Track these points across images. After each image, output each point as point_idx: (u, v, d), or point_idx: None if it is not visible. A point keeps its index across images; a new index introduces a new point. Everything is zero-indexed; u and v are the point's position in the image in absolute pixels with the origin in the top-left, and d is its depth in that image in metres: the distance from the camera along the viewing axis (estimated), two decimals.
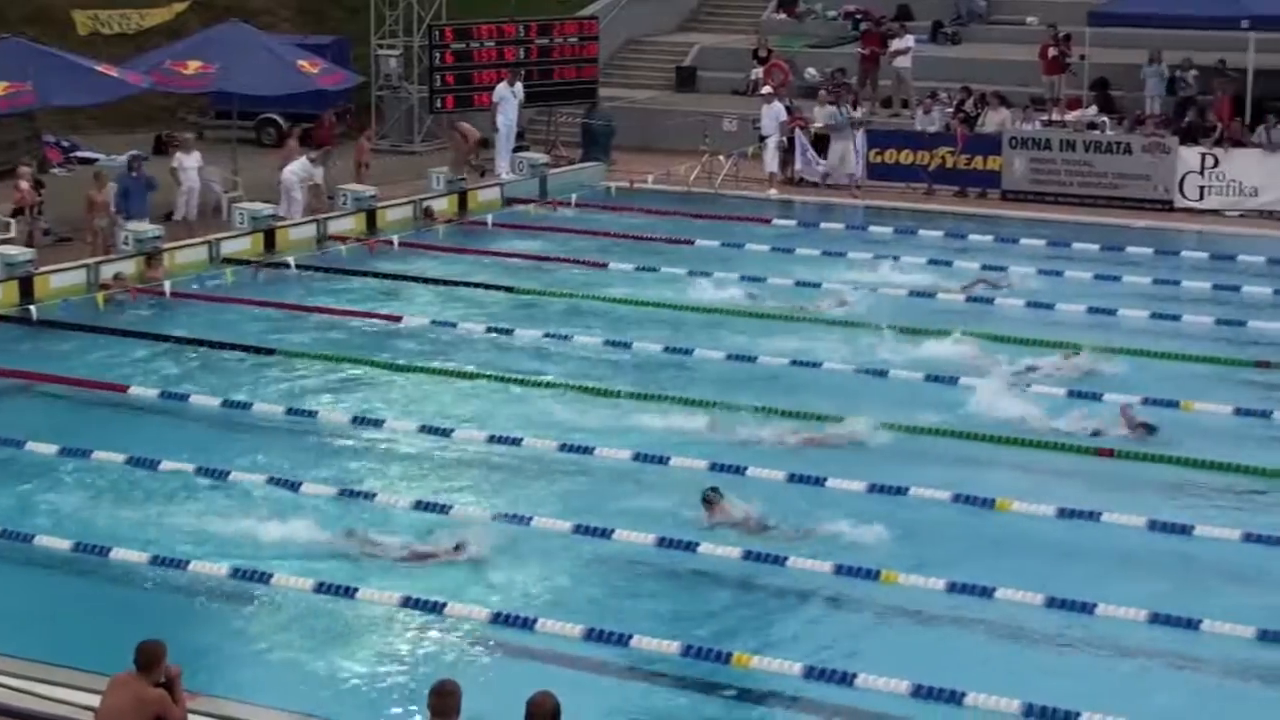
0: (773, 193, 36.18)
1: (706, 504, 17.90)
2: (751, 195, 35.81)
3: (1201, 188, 34.79)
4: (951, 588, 16.03)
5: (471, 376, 23.14)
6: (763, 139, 37.08)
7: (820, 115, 37.60)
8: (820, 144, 37.21)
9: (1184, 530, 17.42)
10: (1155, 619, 15.37)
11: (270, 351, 24.12)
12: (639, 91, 43.34)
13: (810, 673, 14.28)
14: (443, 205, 33.73)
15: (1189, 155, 34.89)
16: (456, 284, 28.20)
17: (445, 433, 20.74)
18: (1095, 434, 20.43)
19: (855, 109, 37.87)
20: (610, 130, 39.24)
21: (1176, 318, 26.11)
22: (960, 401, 21.66)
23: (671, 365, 23.76)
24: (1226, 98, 36.52)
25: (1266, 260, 30.34)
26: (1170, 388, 22.18)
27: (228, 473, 19.10)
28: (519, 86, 37.35)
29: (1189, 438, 20.34)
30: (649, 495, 18.60)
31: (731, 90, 42.69)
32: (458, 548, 16.92)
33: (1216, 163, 34.70)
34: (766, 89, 39.21)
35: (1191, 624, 15.24)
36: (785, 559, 16.62)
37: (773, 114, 37.21)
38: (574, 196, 34.78)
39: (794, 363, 23.50)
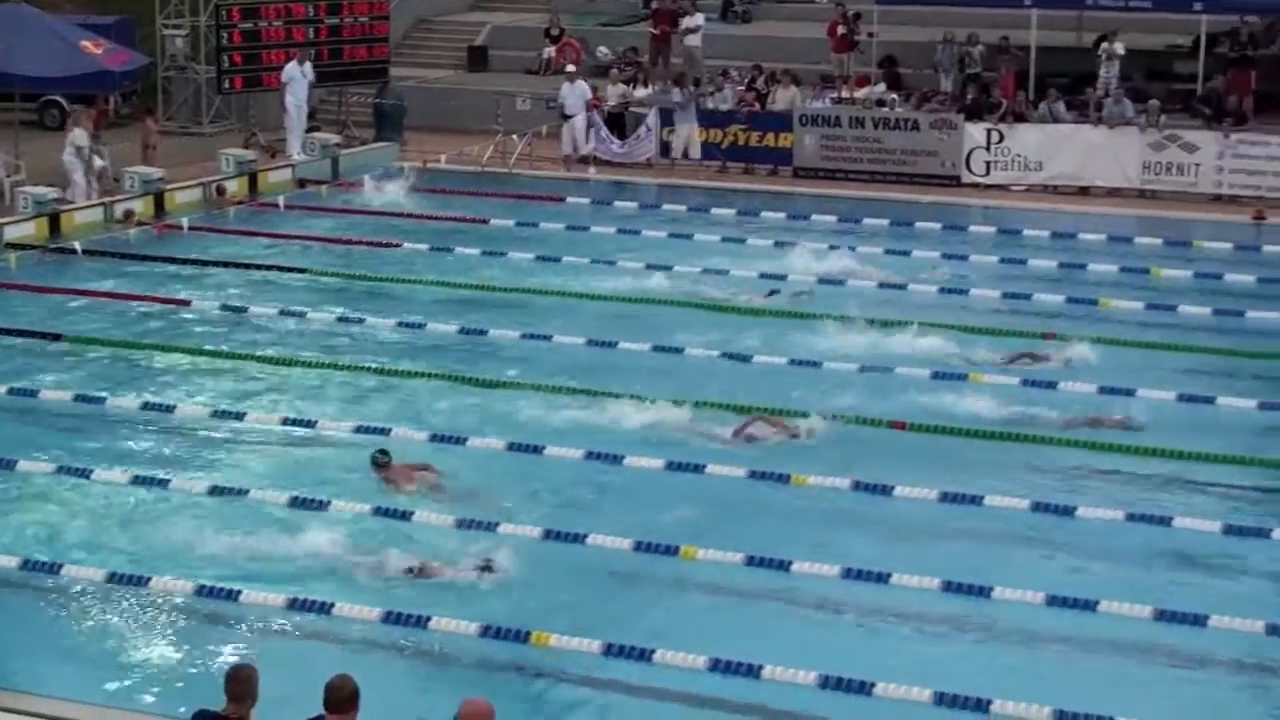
0: (592, 171, 36.26)
1: (376, 466, 18.15)
2: (569, 176, 35.76)
3: (988, 163, 35.38)
4: (750, 561, 16.16)
5: (264, 361, 22.90)
6: (566, 118, 37.07)
7: (613, 94, 37.73)
8: (613, 123, 37.33)
9: (974, 500, 17.71)
10: (948, 587, 15.62)
11: (57, 337, 23.68)
12: (431, 71, 43.11)
13: (610, 650, 14.32)
14: (233, 187, 33.28)
15: (975, 131, 35.46)
16: (248, 266, 27.87)
17: (238, 416, 20.54)
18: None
19: (647, 86, 38.00)
20: (402, 110, 38.98)
21: (964, 292, 26.51)
22: (744, 373, 21.89)
23: (467, 346, 23.69)
24: (1010, 74, 37.16)
25: (1051, 234, 30.93)
26: (959, 361, 22.59)
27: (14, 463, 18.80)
28: (308, 66, 36.97)
29: (983, 409, 20.67)
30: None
31: (524, 69, 42.63)
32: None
33: (1002, 138, 35.30)
34: (571, 68, 39.16)
35: (983, 591, 15.52)
36: (585, 536, 16.67)
37: (578, 92, 37.22)
38: (366, 177, 34.53)
39: (591, 343, 23.53)
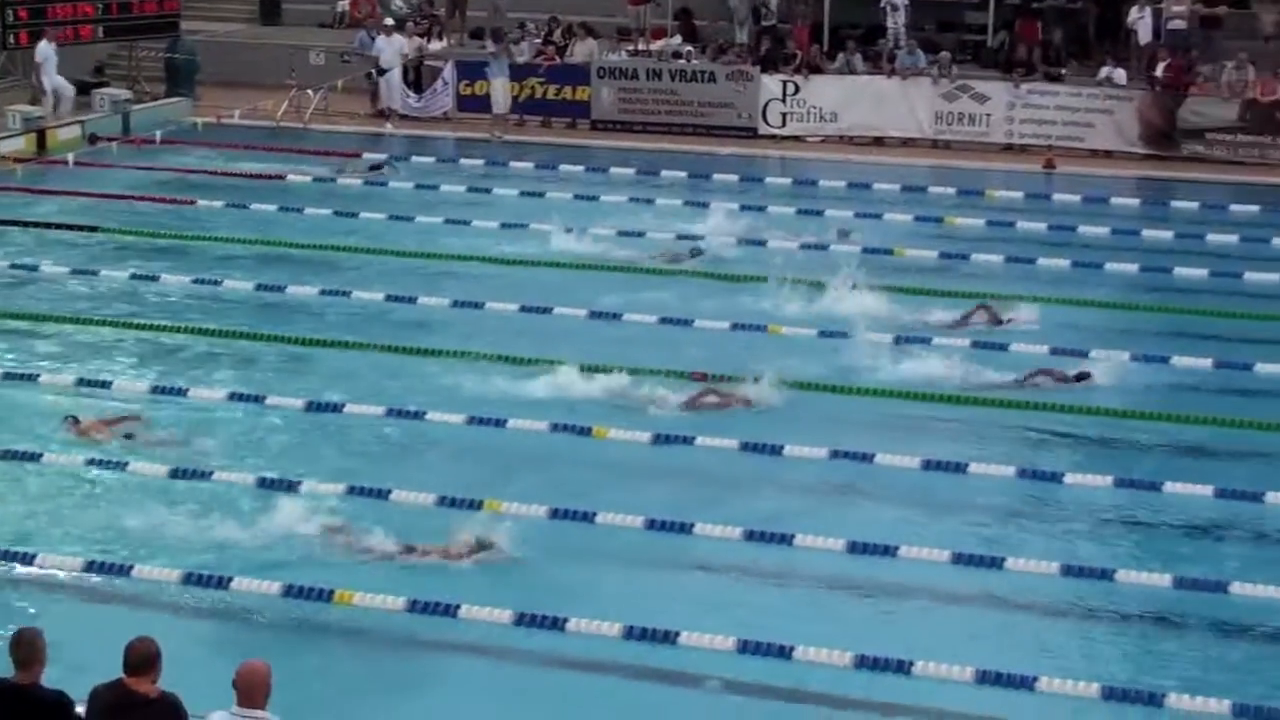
0: (389, 127, 35.99)
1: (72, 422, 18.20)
2: (367, 131, 35.47)
3: (784, 114, 35.64)
4: (554, 513, 16.17)
5: (57, 320, 22.48)
6: (382, 72, 36.74)
7: (409, 47, 37.44)
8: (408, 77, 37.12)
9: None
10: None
11: None
12: (222, 25, 42.42)
13: (414, 606, 14.26)
14: (20, 145, 32.55)
15: (771, 83, 35.69)
16: (38, 225, 27.31)
17: (30, 378, 20.18)
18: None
19: (442, 40, 37.79)
20: (194, 65, 38.31)
21: (762, 243, 26.71)
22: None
23: (270, 305, 23.44)
24: (805, 26, 37.41)
25: (847, 185, 31.26)
26: (753, 314, 22.73)
27: None
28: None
29: (775, 359, 20.83)
30: (230, 437, 18.41)
31: (318, 23, 42.12)
32: None
33: (797, 90, 35.57)
34: (390, 21, 38.72)
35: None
36: (389, 491, 16.59)
37: (395, 45, 36.88)
38: (159, 133, 33.92)
39: (390, 298, 23.42)
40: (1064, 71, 35.59)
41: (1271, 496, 16.43)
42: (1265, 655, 13.72)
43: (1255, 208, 29.67)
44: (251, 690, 9.66)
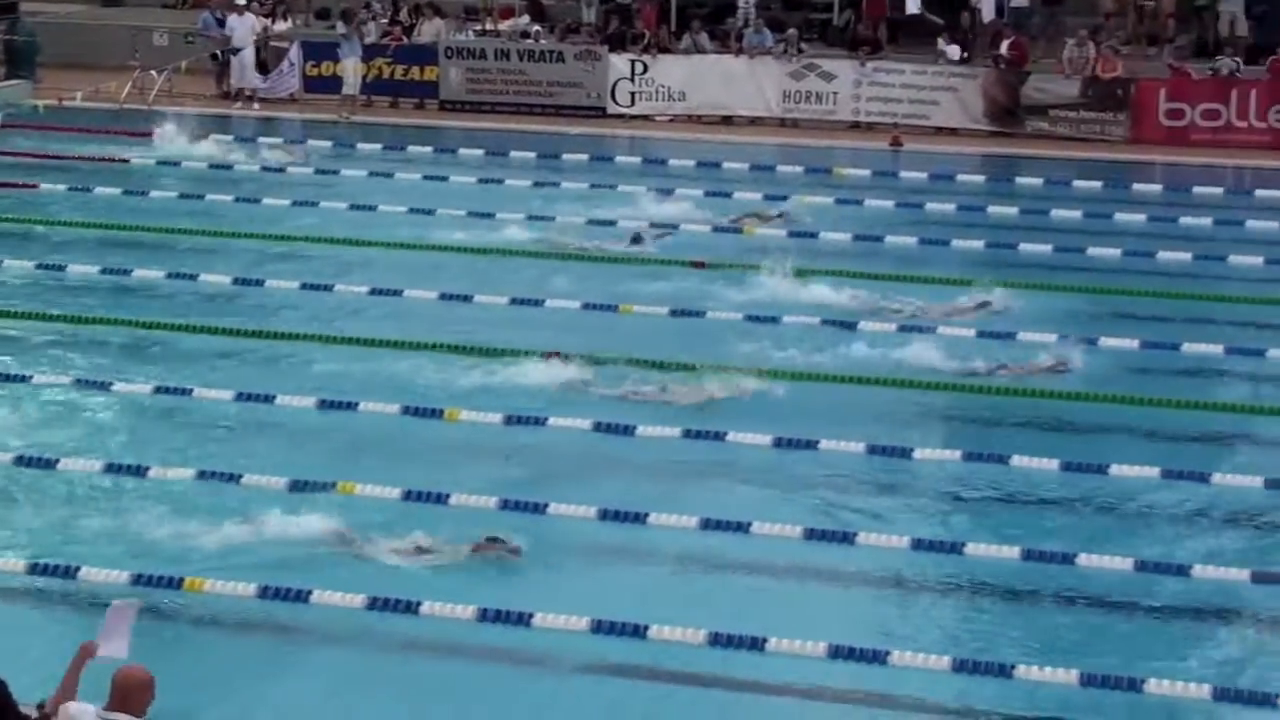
0: (237, 106, 35.62)
1: None
2: (216, 112, 35.06)
3: (632, 94, 35.69)
4: (407, 495, 16.05)
5: None
6: (234, 52, 36.32)
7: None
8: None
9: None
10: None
11: None
12: (62, 5, 41.76)
13: (265, 592, 14.11)
14: None
15: (619, 62, 35.72)
16: None
17: None
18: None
19: (286, 20, 37.46)
20: (34, 46, 37.67)
21: (612, 223, 26.70)
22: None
23: (116, 289, 23.14)
24: (653, 5, 37.44)
25: (696, 164, 31.34)
26: (604, 293, 22.72)
27: None
28: None
29: (638, 340, 20.83)
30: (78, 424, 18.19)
31: (160, 3, 41.61)
32: None
33: (646, 69, 35.63)
34: (241, 0, 38.26)
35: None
36: (241, 476, 16.40)
37: (247, 25, 36.46)
38: None
39: (239, 281, 23.19)
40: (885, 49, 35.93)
41: (1116, 469, 16.66)
42: (1112, 625, 13.91)
43: (1098, 183, 30.09)
44: (128, 695, 9.45)
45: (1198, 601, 14.15)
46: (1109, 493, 16.44)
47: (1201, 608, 14.06)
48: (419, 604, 13.82)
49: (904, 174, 30.98)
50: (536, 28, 37.74)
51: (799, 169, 30.99)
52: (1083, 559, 14.71)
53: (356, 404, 18.45)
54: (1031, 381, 19.51)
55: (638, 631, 13.41)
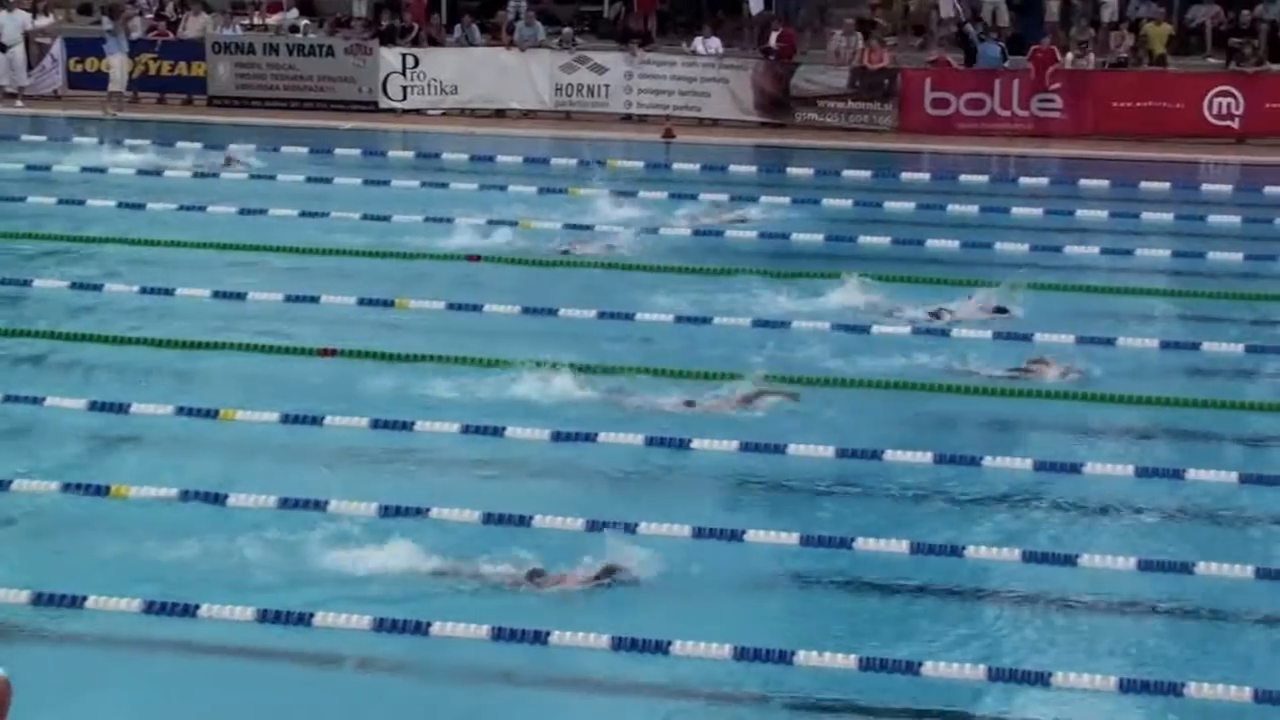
0: (19, 104, 34.84)
1: None
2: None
3: (404, 88, 35.51)
4: (184, 495, 15.78)
5: None
6: (4, 49, 35.48)
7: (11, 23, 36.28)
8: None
9: (406, 427, 17.72)
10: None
11: None
12: None
13: (39, 599, 13.75)
14: None
15: (390, 56, 35.51)
16: None
17: None
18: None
19: (48, 15, 36.72)
20: None
21: (387, 218, 26.51)
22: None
23: None
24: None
25: (470, 157, 31.25)
26: (388, 287, 22.59)
27: None
28: None
29: (411, 335, 20.73)
30: None
31: None
32: None
33: (417, 63, 35.45)
34: None
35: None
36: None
37: (17, 21, 35.65)
38: None
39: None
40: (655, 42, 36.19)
41: (890, 455, 16.87)
42: (888, 609, 14.08)
43: (867, 173, 30.52)
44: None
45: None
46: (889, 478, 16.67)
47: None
48: (197, 607, 13.50)
49: (677, 165, 31.16)
50: (305, 21, 37.41)
51: (573, 161, 31.03)
52: (860, 543, 14.82)
53: (128, 406, 18.09)
54: (803, 369, 19.66)
55: (301, 620, 13.17)
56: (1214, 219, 27.51)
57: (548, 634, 12.94)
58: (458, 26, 36.42)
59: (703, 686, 12.61)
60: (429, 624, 13.13)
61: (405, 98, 35.49)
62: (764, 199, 28.32)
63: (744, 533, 14.99)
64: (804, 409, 18.23)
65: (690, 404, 18.26)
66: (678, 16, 39.12)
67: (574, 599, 13.81)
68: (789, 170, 31.16)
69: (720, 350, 20.11)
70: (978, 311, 21.45)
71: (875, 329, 21.05)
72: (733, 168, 31.15)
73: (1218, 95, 34.07)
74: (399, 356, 19.74)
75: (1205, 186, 30.42)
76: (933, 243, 25.47)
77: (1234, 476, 16.36)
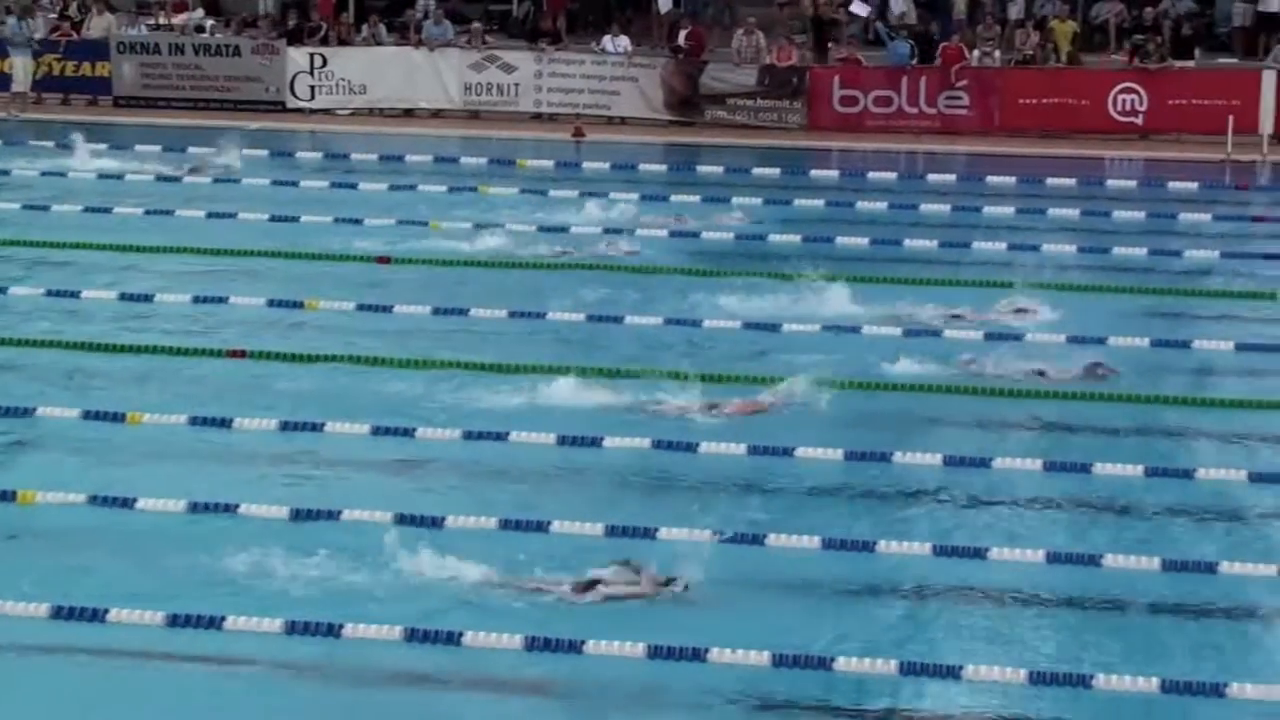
0: None
1: None
2: None
3: (312, 87, 35.34)
4: (92, 500, 15.64)
5: None
6: None
7: None
8: None
9: (316, 428, 17.64)
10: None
11: None
12: None
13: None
14: None
15: (298, 56, 35.33)
16: None
17: None
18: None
19: None
20: None
21: (295, 219, 26.38)
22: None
23: None
24: None
25: (379, 157, 31.15)
26: (297, 288, 22.48)
27: None
28: None
29: (321, 335, 20.65)
30: None
31: None
32: None
33: (325, 62, 35.29)
34: None
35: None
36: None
37: None
38: None
39: None
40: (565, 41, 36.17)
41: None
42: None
43: (777, 170, 30.62)
44: None
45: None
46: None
47: None
48: (105, 611, 13.36)
49: (587, 164, 31.17)
50: (211, 21, 37.18)
51: (483, 160, 30.98)
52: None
53: (34, 409, 17.93)
54: (709, 366, 19.70)
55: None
56: (1119, 214, 27.78)
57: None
58: (365, 26, 36.29)
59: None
60: (336, 627, 13.08)
61: (313, 97, 35.33)
62: (675, 198, 28.34)
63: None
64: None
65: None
66: (587, 15, 39.13)
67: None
68: (698, 168, 31.21)
69: (632, 349, 20.13)
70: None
71: (786, 328, 21.11)
72: (643, 166, 31.19)
73: (1122, 92, 34.38)
74: (309, 357, 19.68)
75: (1110, 182, 30.71)
76: (842, 240, 25.59)
77: (1139, 470, 16.54)
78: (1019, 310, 21.48)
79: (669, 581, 13.72)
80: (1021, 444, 17.30)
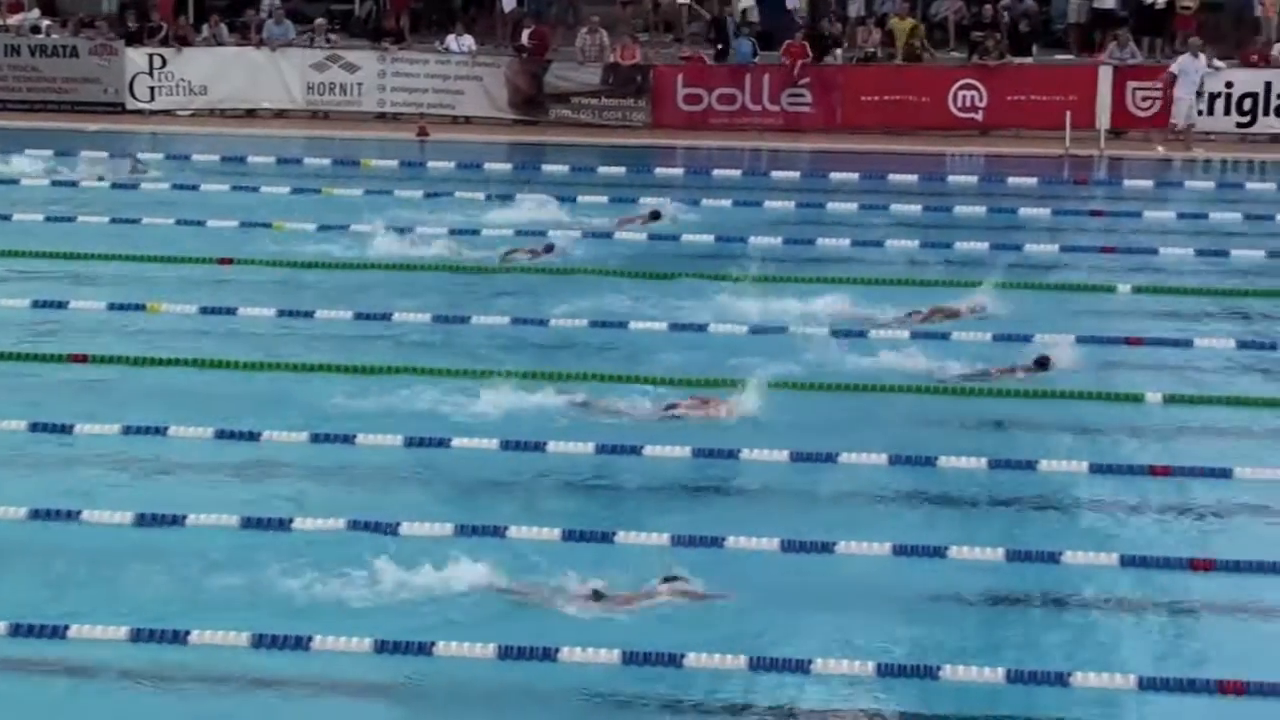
0: None
1: None
2: None
3: (152, 88, 34.93)
4: (35, 514, 15.29)
5: None
6: None
7: None
8: None
9: (159, 432, 17.43)
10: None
11: None
12: None
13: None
14: None
15: (137, 56, 34.92)
16: None
17: None
18: None
19: None
20: None
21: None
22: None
23: None
24: None
25: (221, 158, 30.85)
26: (138, 291, 22.20)
27: None
28: None
29: (164, 339, 20.41)
30: None
31: None
32: None
33: (165, 63, 34.90)
34: None
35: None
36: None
37: None
38: None
39: None
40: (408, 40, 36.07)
41: (651, 450, 16.94)
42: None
43: (622, 169, 30.68)
44: None
45: None
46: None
47: None
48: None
49: (432, 164, 31.06)
50: (48, 22, 36.59)
51: (327, 161, 30.79)
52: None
53: None
54: (566, 365, 19.71)
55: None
56: (960, 210, 28.10)
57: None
58: (205, 26, 35.93)
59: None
60: (187, 633, 12.96)
61: (153, 99, 34.91)
62: (520, 196, 28.29)
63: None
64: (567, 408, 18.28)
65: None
66: (430, 15, 38.97)
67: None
68: (544, 167, 31.20)
69: (484, 349, 20.14)
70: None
71: (632, 325, 21.16)
72: (488, 165, 31.14)
73: (961, 88, 34.78)
74: (151, 361, 19.50)
75: (951, 178, 31.05)
76: (687, 237, 25.69)
77: (983, 462, 16.75)
78: (862, 307, 21.68)
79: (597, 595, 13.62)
80: (867, 439, 17.45)
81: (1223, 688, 12.46)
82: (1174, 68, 33.29)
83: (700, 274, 23.19)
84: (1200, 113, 33.64)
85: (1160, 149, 33.19)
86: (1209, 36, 35.70)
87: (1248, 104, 33.99)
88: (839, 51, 35.90)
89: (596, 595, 13.54)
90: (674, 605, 13.61)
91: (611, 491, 16.29)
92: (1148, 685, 12.52)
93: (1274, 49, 34.95)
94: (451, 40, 35.40)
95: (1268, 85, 34.13)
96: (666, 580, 13.71)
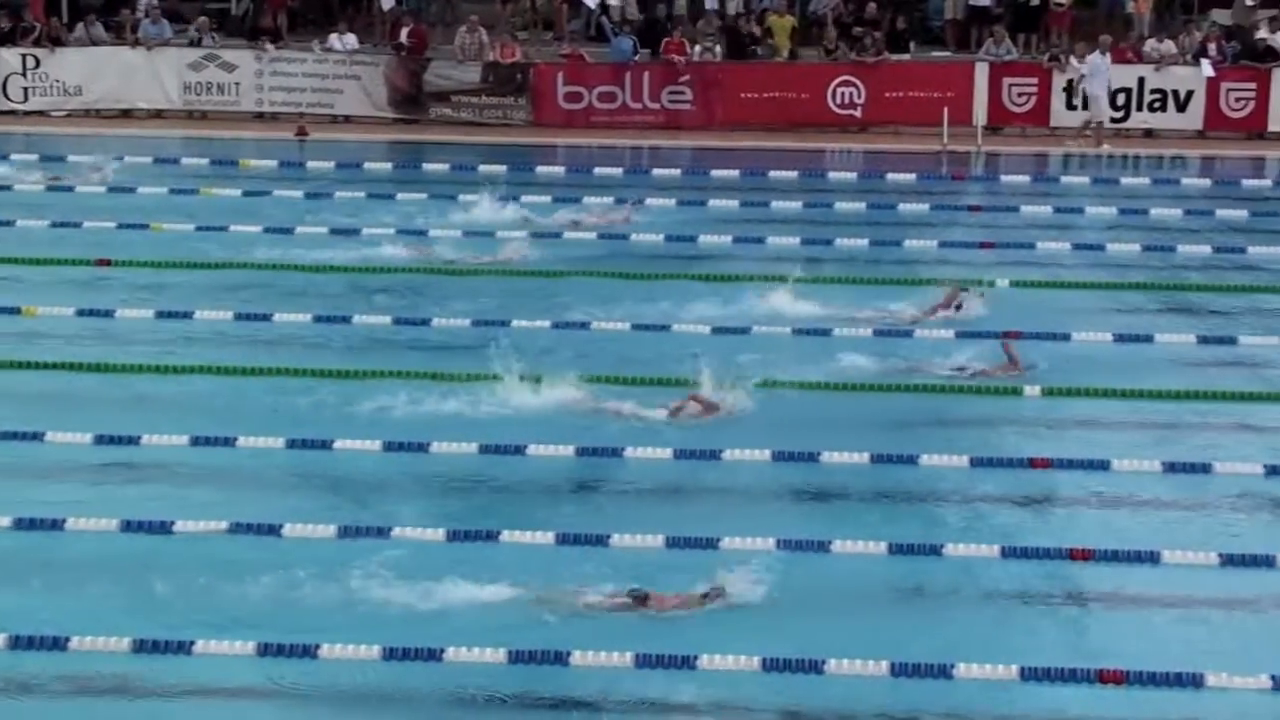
0: None
1: None
2: None
3: (25, 89, 34.53)
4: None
5: None
6: None
7: None
8: None
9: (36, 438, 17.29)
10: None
11: None
12: None
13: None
14: None
15: (10, 57, 34.52)
16: None
17: None
18: None
19: None
20: None
21: (9, 224, 25.74)
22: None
23: None
24: None
25: (97, 159, 30.51)
26: (13, 295, 21.97)
27: None
28: None
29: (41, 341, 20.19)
30: None
31: None
32: None
33: (38, 63, 34.51)
34: None
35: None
36: None
37: None
38: None
39: None
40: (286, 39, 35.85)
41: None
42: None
43: (503, 167, 30.58)
44: None
45: None
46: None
47: None
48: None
49: (311, 164, 30.88)
50: None
51: (204, 161, 30.55)
52: (505, 535, 14.89)
53: None
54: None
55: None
56: (840, 206, 28.27)
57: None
58: (80, 25, 35.53)
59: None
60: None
61: (26, 99, 34.50)
62: (400, 195, 28.18)
63: None
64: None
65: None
66: (308, 14, 38.74)
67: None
68: (424, 166, 31.09)
69: (370, 348, 20.10)
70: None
71: (515, 323, 21.13)
72: (367, 165, 30.99)
73: (840, 85, 34.97)
74: (28, 365, 19.31)
75: (831, 174, 31.20)
76: (570, 235, 25.71)
77: (865, 457, 16.87)
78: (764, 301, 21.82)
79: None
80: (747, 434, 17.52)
81: (1102, 677, 12.62)
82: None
83: (589, 272, 23.29)
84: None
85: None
86: (1082, 33, 36.09)
87: (1121, 99, 34.39)
88: (718, 49, 35.97)
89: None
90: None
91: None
92: (1029, 676, 12.66)
93: (1146, 45, 35.40)
94: (334, 39, 35.21)
95: (1140, 80, 34.57)
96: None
